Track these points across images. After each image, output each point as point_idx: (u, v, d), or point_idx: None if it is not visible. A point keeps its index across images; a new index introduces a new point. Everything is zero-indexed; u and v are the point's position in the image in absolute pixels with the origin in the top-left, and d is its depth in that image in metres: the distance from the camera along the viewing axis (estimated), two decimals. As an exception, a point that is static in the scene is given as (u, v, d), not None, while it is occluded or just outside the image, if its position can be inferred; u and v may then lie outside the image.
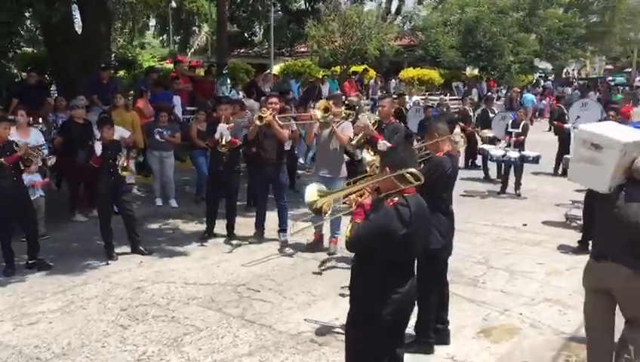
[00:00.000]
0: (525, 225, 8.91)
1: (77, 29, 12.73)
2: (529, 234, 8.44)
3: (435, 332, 4.96)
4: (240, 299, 5.94)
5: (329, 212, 3.87)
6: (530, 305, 5.91)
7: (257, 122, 7.25)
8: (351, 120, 7.20)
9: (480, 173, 12.77)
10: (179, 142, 9.83)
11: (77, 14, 13.11)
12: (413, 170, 3.49)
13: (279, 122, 7.48)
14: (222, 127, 7.60)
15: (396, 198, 3.44)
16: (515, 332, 5.31)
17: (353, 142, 6.89)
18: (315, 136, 7.63)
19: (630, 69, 47.57)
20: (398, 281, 3.51)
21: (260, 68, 20.78)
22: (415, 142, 7.24)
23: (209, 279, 6.49)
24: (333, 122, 7.04)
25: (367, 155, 6.06)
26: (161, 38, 38.51)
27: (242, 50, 32.47)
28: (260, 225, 7.92)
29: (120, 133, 8.05)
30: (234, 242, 7.79)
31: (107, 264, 6.91)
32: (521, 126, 10.98)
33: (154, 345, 4.94)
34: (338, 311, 5.36)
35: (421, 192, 4.98)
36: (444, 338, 5.01)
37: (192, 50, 29.28)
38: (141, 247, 7.30)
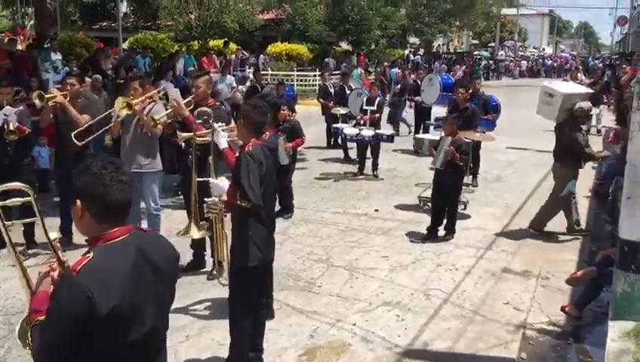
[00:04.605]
0: (377, 210, 8.28)
1: None
2: (379, 221, 7.80)
3: (246, 363, 4.05)
4: (8, 334, 4.67)
5: None
6: (367, 311, 5.17)
7: (37, 102, 5.94)
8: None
9: (341, 153, 12.11)
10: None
11: None
12: (112, 198, 2.14)
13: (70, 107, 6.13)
14: (7, 111, 6.17)
15: (86, 258, 2.10)
16: (343, 350, 4.52)
17: (155, 119, 5.75)
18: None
19: (494, 44, 49.76)
20: None
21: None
22: None
23: (-22, 307, 5.14)
24: (140, 108, 5.85)
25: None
26: (11, 9, 34.78)
27: (104, 24, 29.75)
28: (65, 229, 6.59)
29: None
30: (32, 252, 6.43)
31: None
32: (375, 103, 10.36)
33: None
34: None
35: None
36: (255, 370, 4.12)
37: (32, 21, 26.15)
38: None
